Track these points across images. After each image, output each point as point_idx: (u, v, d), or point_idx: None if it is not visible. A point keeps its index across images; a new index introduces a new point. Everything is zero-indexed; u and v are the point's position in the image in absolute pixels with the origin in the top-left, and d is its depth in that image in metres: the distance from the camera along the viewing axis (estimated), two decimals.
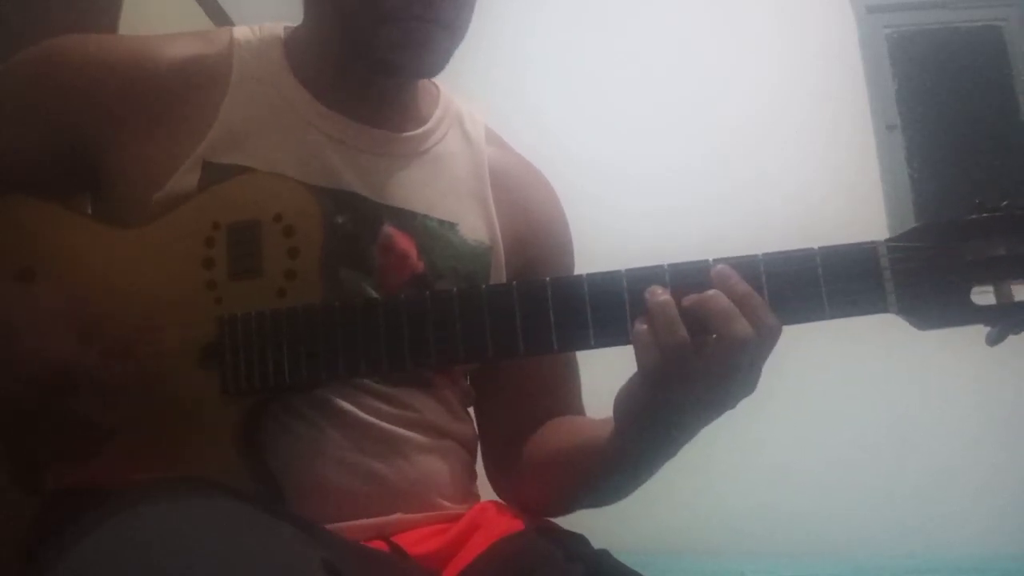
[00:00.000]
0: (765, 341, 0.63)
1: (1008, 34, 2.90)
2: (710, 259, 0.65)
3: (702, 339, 0.63)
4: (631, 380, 0.68)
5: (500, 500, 0.89)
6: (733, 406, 0.68)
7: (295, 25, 0.89)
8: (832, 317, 0.64)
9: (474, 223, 0.87)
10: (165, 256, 0.75)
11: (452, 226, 0.85)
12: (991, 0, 2.91)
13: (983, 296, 0.64)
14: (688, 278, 0.65)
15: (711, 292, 0.63)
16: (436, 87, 0.94)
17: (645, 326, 0.64)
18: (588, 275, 0.66)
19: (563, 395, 0.91)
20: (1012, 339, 0.68)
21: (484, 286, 0.68)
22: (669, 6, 2.91)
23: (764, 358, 0.65)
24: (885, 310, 0.64)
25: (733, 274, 0.64)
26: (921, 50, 2.91)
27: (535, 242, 0.91)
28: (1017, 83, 2.86)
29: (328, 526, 0.72)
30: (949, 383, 2.46)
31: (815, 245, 0.64)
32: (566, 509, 0.86)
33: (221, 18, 1.95)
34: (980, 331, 0.66)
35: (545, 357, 0.85)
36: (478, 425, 0.92)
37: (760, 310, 0.63)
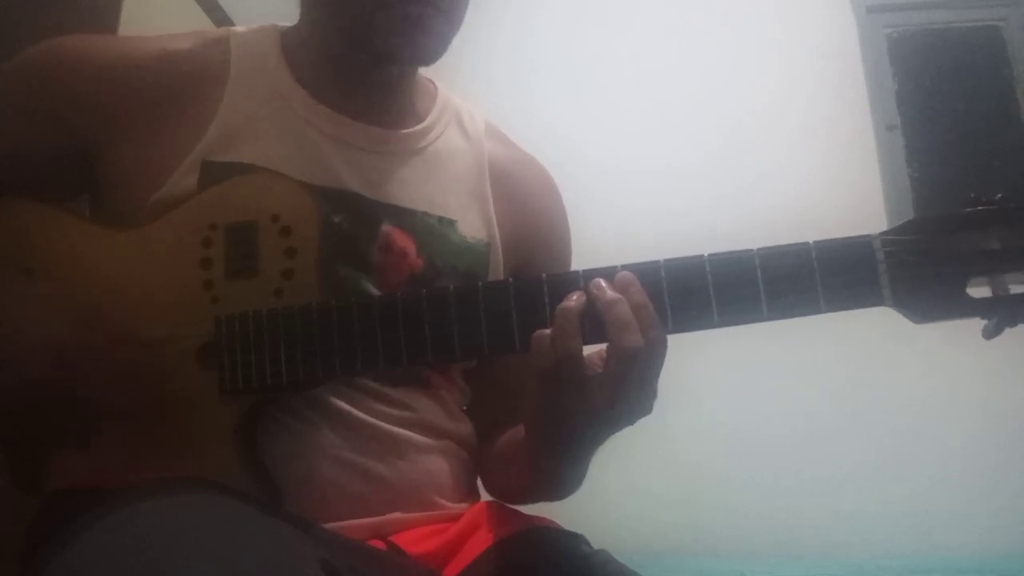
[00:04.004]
0: (653, 353, 0.63)
1: (1008, 34, 2.90)
2: (705, 254, 0.65)
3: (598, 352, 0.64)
4: (530, 383, 0.67)
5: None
6: (632, 422, 0.67)
7: (292, 25, 0.89)
8: (827, 311, 0.63)
9: (473, 220, 0.87)
10: (162, 257, 0.75)
11: (451, 223, 0.85)
12: (991, 0, 2.91)
13: (979, 289, 0.64)
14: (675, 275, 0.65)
15: (612, 299, 0.63)
16: (433, 85, 0.94)
17: (547, 331, 0.64)
18: (584, 271, 0.66)
19: None
20: (1012, 340, 0.68)
21: (480, 283, 0.68)
22: (669, 6, 2.91)
23: (655, 373, 0.65)
24: (880, 303, 0.63)
25: (634, 282, 0.64)
26: (921, 50, 2.91)
27: (532, 238, 0.91)
28: (1017, 83, 2.86)
29: (326, 526, 0.72)
30: (949, 384, 2.46)
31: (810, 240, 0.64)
32: (517, 501, 0.87)
33: (221, 18, 1.95)
34: (980, 332, 0.66)
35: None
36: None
37: (650, 321, 0.63)
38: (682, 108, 2.77)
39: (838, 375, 2.48)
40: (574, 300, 0.64)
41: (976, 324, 0.66)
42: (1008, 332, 0.66)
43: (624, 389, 0.63)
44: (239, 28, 0.87)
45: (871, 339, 2.18)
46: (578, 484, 0.80)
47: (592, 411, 0.65)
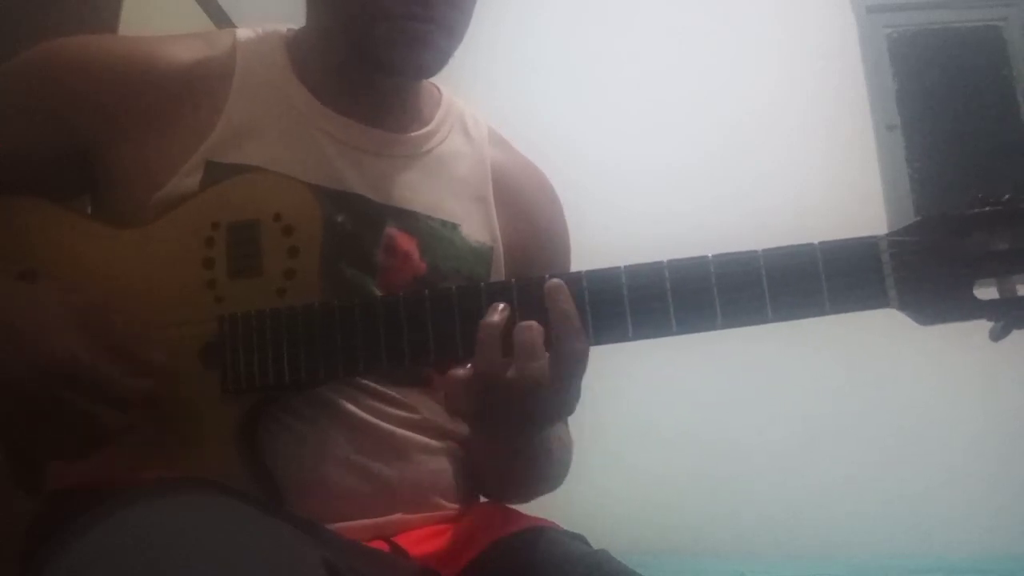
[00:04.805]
0: (567, 368, 0.63)
1: (1008, 34, 2.89)
2: (709, 255, 0.65)
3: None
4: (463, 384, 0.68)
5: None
6: (558, 419, 0.69)
7: (297, 27, 0.89)
8: (832, 312, 0.63)
9: (476, 224, 0.87)
10: (165, 256, 0.75)
11: (454, 227, 0.85)
12: (991, 0, 2.91)
13: (986, 291, 0.64)
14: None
15: (521, 324, 0.64)
16: (438, 89, 0.94)
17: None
18: (587, 272, 0.66)
19: None
20: (1014, 339, 0.67)
21: (482, 283, 0.68)
22: (669, 6, 2.91)
23: (572, 384, 0.65)
24: (886, 305, 0.63)
25: (561, 290, 0.64)
26: (921, 50, 2.91)
27: (533, 244, 0.91)
28: (1017, 83, 2.85)
29: (328, 526, 0.72)
30: (950, 384, 2.46)
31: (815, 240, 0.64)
32: (500, 499, 0.88)
33: (221, 18, 1.95)
34: (982, 331, 0.66)
35: None
36: None
37: (568, 333, 0.63)
38: (682, 108, 2.77)
39: (838, 376, 2.48)
40: (498, 315, 0.64)
41: (976, 324, 0.66)
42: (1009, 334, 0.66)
43: (537, 404, 0.65)
44: (243, 30, 0.87)
45: (871, 340, 2.18)
46: (539, 478, 0.84)
47: (508, 420, 0.67)
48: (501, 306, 0.65)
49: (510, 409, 0.65)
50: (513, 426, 0.69)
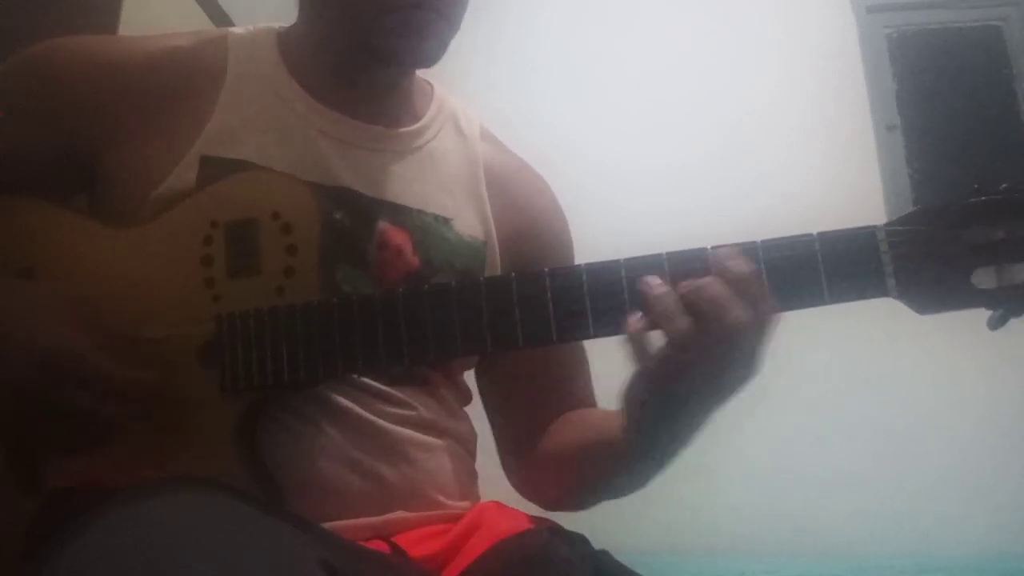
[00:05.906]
0: (764, 324, 0.62)
1: (1008, 34, 2.89)
2: (708, 247, 0.64)
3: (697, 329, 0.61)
4: (632, 374, 0.66)
5: (500, 500, 0.89)
6: (738, 392, 0.66)
7: (289, 24, 0.89)
8: (831, 302, 0.63)
9: (468, 219, 0.87)
10: (163, 254, 0.75)
11: (446, 221, 0.85)
12: (991, 0, 2.91)
13: (984, 280, 0.63)
14: (686, 265, 0.64)
15: (705, 279, 0.61)
16: (430, 85, 0.94)
17: (640, 318, 0.62)
18: (586, 265, 0.66)
19: (575, 389, 0.91)
20: (1013, 339, 0.67)
21: (482, 278, 0.68)
22: (669, 6, 2.91)
23: (763, 343, 0.63)
24: (885, 294, 0.63)
25: (733, 256, 0.62)
26: (921, 50, 2.91)
27: (531, 239, 0.91)
28: (1017, 83, 2.85)
29: (327, 525, 0.72)
30: (950, 383, 2.45)
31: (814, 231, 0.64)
32: (584, 502, 0.86)
33: (221, 18, 1.95)
34: (981, 330, 0.66)
35: (554, 351, 0.85)
36: (492, 423, 0.93)
37: (759, 292, 0.61)
38: (682, 108, 2.77)
39: (838, 374, 2.48)
40: (658, 285, 0.62)
41: (977, 324, 0.66)
42: (1009, 331, 0.66)
43: (729, 365, 0.62)
44: (237, 28, 0.88)
45: (871, 338, 2.18)
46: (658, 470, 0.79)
47: (697, 391, 0.64)
48: (656, 279, 0.62)
49: (705, 370, 0.62)
50: (687, 407, 0.66)
